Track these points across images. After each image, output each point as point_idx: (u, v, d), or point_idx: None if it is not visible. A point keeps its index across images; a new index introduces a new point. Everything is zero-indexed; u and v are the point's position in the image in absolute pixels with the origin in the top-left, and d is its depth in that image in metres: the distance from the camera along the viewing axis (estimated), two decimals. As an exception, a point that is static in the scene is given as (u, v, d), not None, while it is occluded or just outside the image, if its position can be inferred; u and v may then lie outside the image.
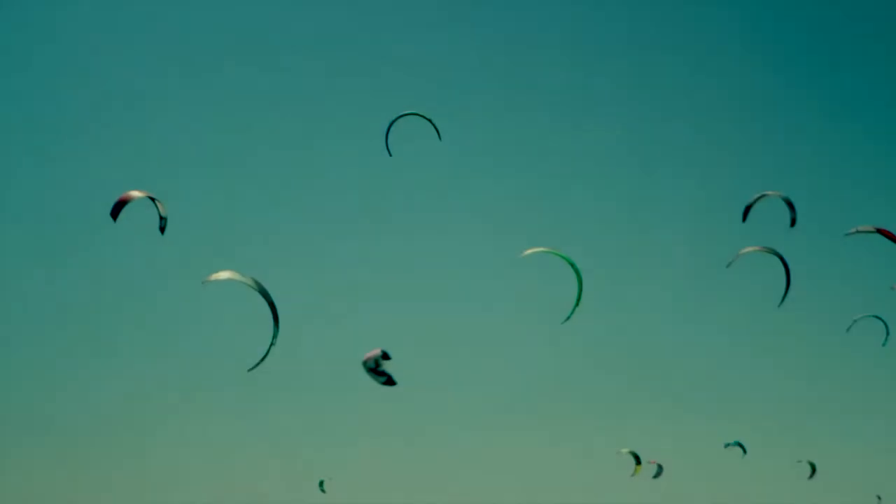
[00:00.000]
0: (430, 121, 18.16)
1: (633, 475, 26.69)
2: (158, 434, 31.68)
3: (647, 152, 41.10)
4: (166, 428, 32.05)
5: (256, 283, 13.23)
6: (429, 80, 40.01)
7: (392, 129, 18.06)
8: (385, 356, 15.72)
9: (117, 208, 13.59)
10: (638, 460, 26.68)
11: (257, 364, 13.64)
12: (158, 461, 30.92)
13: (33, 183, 36.24)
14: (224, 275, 12.93)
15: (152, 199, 14.14)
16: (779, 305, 18.00)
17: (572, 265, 16.99)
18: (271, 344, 13.49)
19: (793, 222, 17.91)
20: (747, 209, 18.11)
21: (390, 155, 18.36)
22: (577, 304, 17.19)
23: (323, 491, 22.46)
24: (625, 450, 26.84)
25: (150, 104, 37.15)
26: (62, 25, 36.63)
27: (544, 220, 38.16)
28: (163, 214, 14.14)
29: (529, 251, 16.64)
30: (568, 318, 17.27)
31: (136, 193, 13.86)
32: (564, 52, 41.61)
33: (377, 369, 15.46)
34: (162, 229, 14.23)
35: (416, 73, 40.02)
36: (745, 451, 25.51)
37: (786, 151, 42.12)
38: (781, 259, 17.70)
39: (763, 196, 18.09)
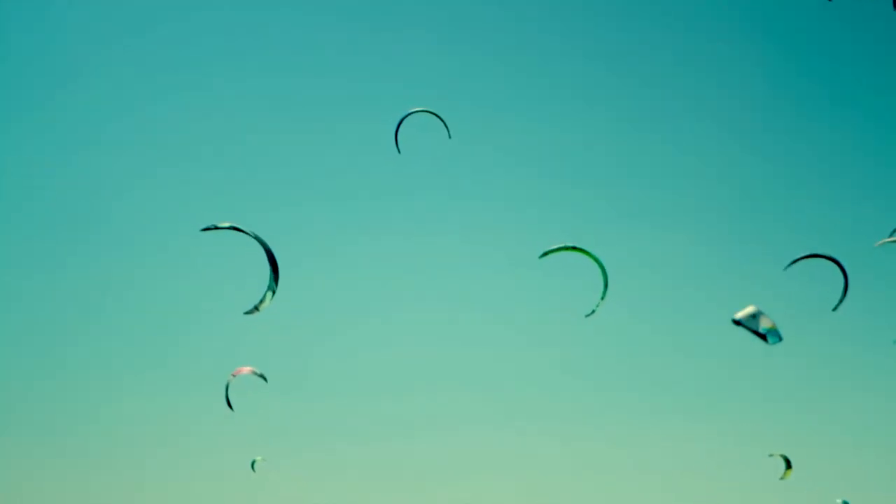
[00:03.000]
0: (440, 118, 18.66)
1: (781, 478, 25.34)
2: (158, 437, 32.07)
3: (656, 152, 38.43)
4: (166, 430, 32.40)
5: (253, 232, 13.70)
6: (436, 77, 38.72)
7: (401, 126, 18.69)
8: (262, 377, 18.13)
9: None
10: (789, 464, 25.25)
11: (253, 309, 14.07)
12: (158, 464, 31.42)
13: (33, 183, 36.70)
14: (224, 224, 13.56)
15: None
16: (834, 309, 17.31)
17: (595, 259, 16.92)
18: (268, 288, 13.76)
19: None
20: None
21: (399, 152, 19.15)
22: (602, 298, 17.23)
23: (254, 470, 22.42)
24: (776, 453, 25.51)
25: (152, 105, 37.38)
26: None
27: (555, 220, 36.50)
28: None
29: (547, 251, 16.81)
30: (593, 311, 17.32)
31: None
32: (568, 50, 39.43)
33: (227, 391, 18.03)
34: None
35: (420, 72, 38.95)
36: None
37: (791, 150, 38.54)
38: (838, 264, 17.00)
39: None
